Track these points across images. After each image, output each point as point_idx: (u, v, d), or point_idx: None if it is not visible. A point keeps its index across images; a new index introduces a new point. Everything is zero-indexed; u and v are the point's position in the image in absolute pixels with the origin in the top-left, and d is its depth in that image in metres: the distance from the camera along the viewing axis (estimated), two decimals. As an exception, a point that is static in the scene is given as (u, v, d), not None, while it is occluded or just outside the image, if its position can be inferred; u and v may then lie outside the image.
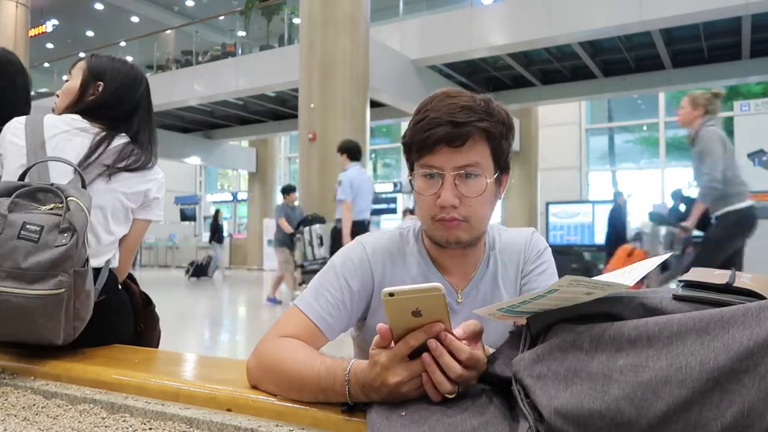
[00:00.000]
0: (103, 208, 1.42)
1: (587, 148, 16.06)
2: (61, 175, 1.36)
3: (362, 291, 1.03)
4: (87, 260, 1.23)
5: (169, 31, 16.25)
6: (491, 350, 0.83)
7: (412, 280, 1.05)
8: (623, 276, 0.72)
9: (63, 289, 1.16)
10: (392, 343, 0.75)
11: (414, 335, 0.72)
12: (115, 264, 1.49)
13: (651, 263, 0.75)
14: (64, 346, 1.32)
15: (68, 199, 1.22)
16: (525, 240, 1.12)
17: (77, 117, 1.49)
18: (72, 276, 1.18)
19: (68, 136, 1.43)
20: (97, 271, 1.39)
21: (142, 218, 1.53)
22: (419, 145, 0.97)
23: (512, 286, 1.10)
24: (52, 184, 1.26)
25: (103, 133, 1.48)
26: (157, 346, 1.62)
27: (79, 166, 1.38)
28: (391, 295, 0.69)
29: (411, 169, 1.03)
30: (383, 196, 17.33)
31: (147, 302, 1.60)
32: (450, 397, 0.74)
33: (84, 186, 1.33)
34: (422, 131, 0.96)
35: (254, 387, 0.95)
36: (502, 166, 1.01)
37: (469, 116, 0.94)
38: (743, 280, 0.66)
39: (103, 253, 1.43)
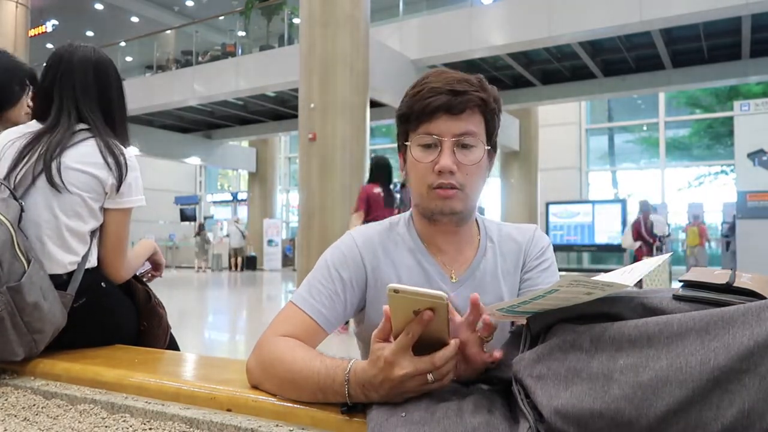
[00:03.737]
0: (51, 208, 1.34)
1: (587, 148, 16.05)
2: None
3: (354, 279, 1.03)
4: (24, 272, 1.18)
5: (169, 31, 16.24)
6: (498, 354, 0.82)
7: (406, 267, 1.05)
8: (623, 276, 0.72)
9: None
10: (392, 339, 0.75)
11: (446, 361, 0.75)
12: (93, 263, 1.40)
13: (651, 263, 0.75)
14: (63, 346, 1.32)
15: None
16: (528, 235, 1.12)
17: (33, 122, 1.45)
18: (6, 294, 1.15)
19: (16, 143, 1.38)
20: (70, 274, 1.34)
21: (114, 208, 1.41)
22: (419, 113, 0.99)
23: (511, 279, 1.09)
24: None
25: (38, 130, 1.40)
26: (164, 344, 1.56)
27: (10, 171, 1.33)
28: (396, 291, 0.70)
29: (405, 140, 1.04)
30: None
31: (148, 299, 1.54)
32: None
33: (14, 196, 1.27)
34: (422, 99, 0.98)
35: (254, 387, 0.95)
36: (492, 144, 1.04)
37: (467, 87, 0.98)
38: (743, 280, 0.66)
39: (69, 255, 1.35)
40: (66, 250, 1.35)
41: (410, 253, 1.07)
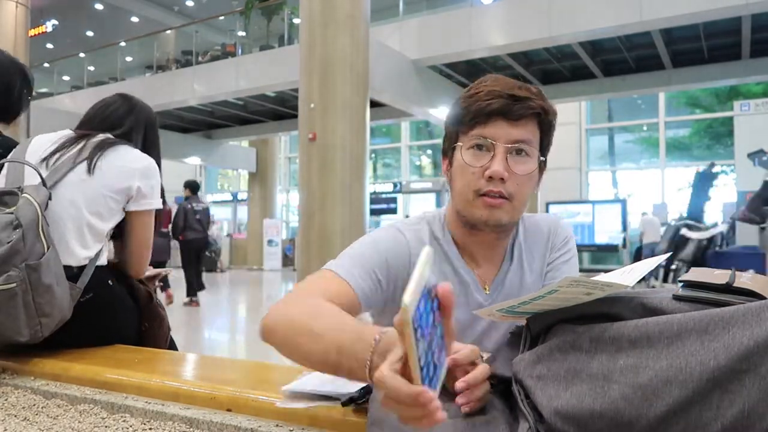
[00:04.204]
0: (75, 202, 1.40)
1: (587, 148, 16.04)
2: (32, 178, 1.37)
3: (397, 276, 0.95)
4: (44, 254, 1.22)
5: (169, 31, 16.23)
6: (486, 355, 0.81)
7: (442, 274, 1.00)
8: (623, 276, 0.72)
9: (13, 284, 1.17)
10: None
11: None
12: (103, 261, 1.45)
13: (651, 263, 0.75)
14: (63, 346, 1.32)
15: (21, 196, 1.25)
16: (551, 227, 1.09)
17: (66, 131, 1.53)
18: (23, 270, 1.18)
19: (53, 146, 1.47)
20: (81, 268, 1.38)
21: (136, 210, 1.50)
22: (474, 114, 0.94)
23: (538, 275, 1.06)
24: (19, 188, 1.28)
25: (73, 135, 1.49)
26: (165, 346, 1.57)
27: (42, 162, 1.40)
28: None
29: (454, 142, 0.99)
30: (383, 195, 17.32)
31: (150, 299, 1.56)
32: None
33: (44, 183, 1.33)
34: (479, 101, 0.94)
35: (266, 340, 0.80)
36: (544, 156, 1.00)
37: (528, 94, 0.95)
38: (743, 280, 0.66)
39: (85, 250, 1.40)
40: (83, 246, 1.40)
41: (447, 260, 1.02)
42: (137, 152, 1.53)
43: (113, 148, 1.47)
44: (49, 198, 1.32)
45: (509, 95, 0.93)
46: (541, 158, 0.99)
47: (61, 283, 1.27)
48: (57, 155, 1.43)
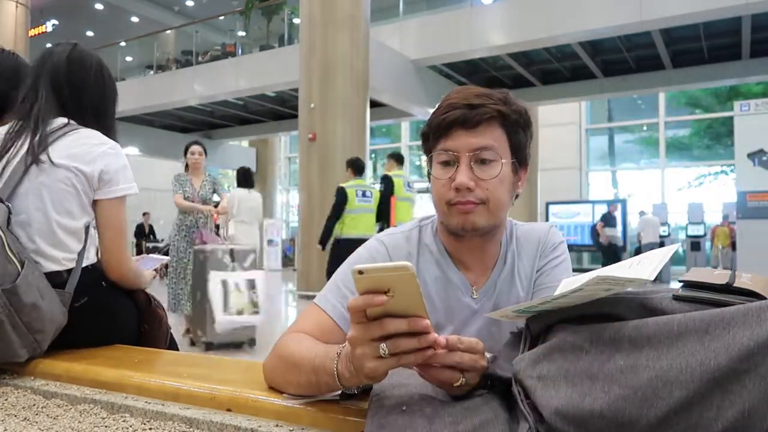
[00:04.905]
0: (40, 206, 1.31)
1: (587, 148, 16.05)
2: None
3: None
4: (19, 274, 1.17)
5: (169, 31, 16.24)
6: (489, 355, 0.82)
7: (432, 278, 1.04)
8: (630, 269, 0.70)
9: None
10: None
11: (393, 323, 0.66)
12: (91, 260, 1.39)
13: (658, 254, 0.73)
14: (65, 345, 1.32)
15: None
16: (542, 234, 1.11)
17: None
18: (2, 297, 1.15)
19: None
20: (69, 271, 1.33)
21: (104, 198, 1.37)
22: (436, 128, 0.98)
23: (528, 281, 1.09)
24: None
25: (13, 128, 1.37)
26: (165, 346, 1.55)
27: None
28: (361, 273, 0.65)
29: (430, 160, 1.03)
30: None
31: (148, 301, 1.54)
32: (458, 384, 0.72)
33: (0, 199, 1.25)
34: (439, 115, 0.98)
35: (271, 388, 0.96)
36: (520, 158, 1.02)
37: (485, 101, 0.96)
38: (743, 280, 0.66)
39: (63, 252, 1.33)
40: (59, 248, 1.33)
41: (436, 264, 1.06)
42: (94, 134, 1.39)
43: (64, 136, 1.35)
44: (10, 212, 1.25)
45: (465, 105, 0.96)
46: (512, 159, 1.00)
47: (46, 295, 1.22)
48: (6, 158, 1.32)
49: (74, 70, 1.44)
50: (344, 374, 0.76)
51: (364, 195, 5.75)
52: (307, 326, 0.97)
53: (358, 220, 5.67)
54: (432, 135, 1.00)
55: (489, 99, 0.97)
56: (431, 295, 1.04)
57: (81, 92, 1.45)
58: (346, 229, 5.66)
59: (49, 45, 1.52)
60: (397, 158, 6.16)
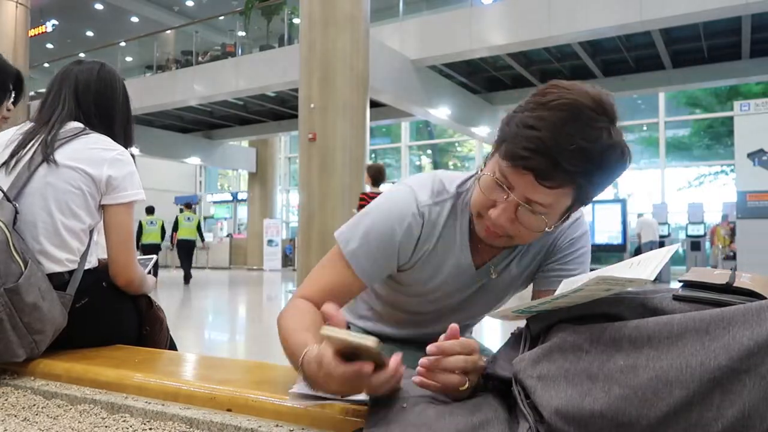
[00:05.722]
0: (47, 207, 1.32)
1: (587, 148, 16.03)
2: None
3: (403, 250, 1.01)
4: (22, 273, 1.18)
5: (169, 31, 16.25)
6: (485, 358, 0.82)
7: (447, 266, 1.06)
8: (631, 269, 0.70)
9: None
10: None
11: (371, 379, 0.71)
12: (92, 263, 1.40)
13: (660, 255, 0.73)
14: (65, 346, 1.32)
15: None
16: (562, 230, 1.09)
17: (26, 123, 1.44)
18: (4, 296, 1.15)
19: (9, 146, 1.37)
20: (71, 273, 1.33)
21: (113, 203, 1.39)
22: (510, 152, 0.85)
23: (525, 268, 1.10)
24: None
25: (28, 129, 1.39)
26: (165, 347, 1.55)
27: (1, 168, 1.32)
28: (328, 337, 0.70)
29: (493, 150, 0.94)
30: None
31: (149, 304, 1.54)
32: (464, 388, 0.74)
33: (7, 197, 1.26)
34: (521, 142, 0.83)
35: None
36: (571, 212, 0.95)
37: (577, 166, 0.81)
38: (743, 280, 0.66)
39: (66, 253, 1.33)
40: (63, 249, 1.33)
41: (452, 249, 1.05)
42: (105, 139, 1.40)
43: (75, 139, 1.37)
44: (17, 212, 1.25)
45: (553, 160, 0.80)
46: (560, 219, 0.93)
47: (47, 296, 1.23)
48: (16, 158, 1.34)
49: (103, 88, 1.49)
50: (312, 380, 0.78)
51: None
52: (325, 283, 1.00)
53: None
54: (506, 146, 0.86)
55: (583, 163, 0.82)
56: (441, 268, 1.06)
57: (110, 111, 1.50)
58: None
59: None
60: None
